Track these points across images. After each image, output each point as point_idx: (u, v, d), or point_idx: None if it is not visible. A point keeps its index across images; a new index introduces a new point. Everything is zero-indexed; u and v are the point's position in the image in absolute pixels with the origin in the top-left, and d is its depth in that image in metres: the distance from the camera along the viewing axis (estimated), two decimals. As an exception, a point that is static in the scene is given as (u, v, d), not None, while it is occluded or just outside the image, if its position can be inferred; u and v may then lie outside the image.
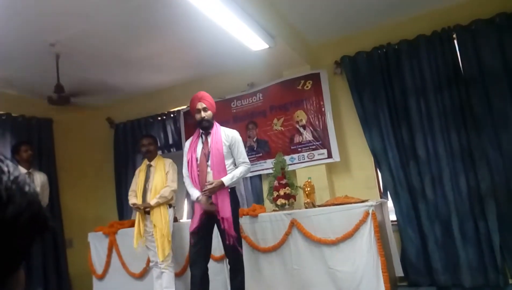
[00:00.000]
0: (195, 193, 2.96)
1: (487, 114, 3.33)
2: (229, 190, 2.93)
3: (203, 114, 2.99)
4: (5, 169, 0.43)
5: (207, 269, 2.94)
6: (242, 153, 3.03)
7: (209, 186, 2.85)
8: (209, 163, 2.94)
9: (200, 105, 3.00)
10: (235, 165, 3.03)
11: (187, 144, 3.14)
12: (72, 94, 4.24)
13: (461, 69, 3.48)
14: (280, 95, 4.21)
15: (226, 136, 3.01)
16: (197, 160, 2.97)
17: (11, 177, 0.43)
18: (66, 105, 4.23)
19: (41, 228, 0.45)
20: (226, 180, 2.88)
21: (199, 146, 3.02)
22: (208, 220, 2.92)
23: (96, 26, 3.26)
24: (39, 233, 0.45)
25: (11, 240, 0.41)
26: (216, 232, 3.02)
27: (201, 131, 3.06)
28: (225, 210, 2.85)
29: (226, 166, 2.95)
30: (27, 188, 0.44)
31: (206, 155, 2.96)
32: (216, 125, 3.08)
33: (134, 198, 3.76)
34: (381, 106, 3.74)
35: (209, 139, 2.99)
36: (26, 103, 4.72)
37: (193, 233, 2.91)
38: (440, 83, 3.52)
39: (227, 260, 3.05)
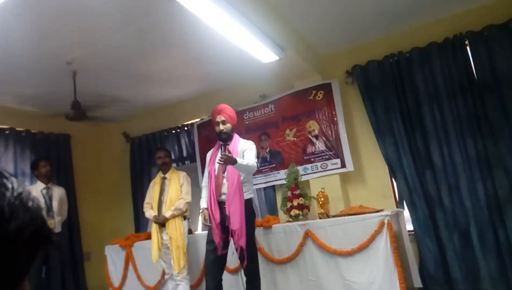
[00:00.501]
0: (202, 205, 3.14)
1: (503, 120, 3.27)
2: (243, 201, 2.97)
3: (221, 127, 3.07)
4: (9, 185, 0.45)
5: (221, 279, 2.97)
6: (252, 156, 3.03)
7: (224, 157, 2.79)
8: (225, 174, 3.01)
9: (219, 118, 3.08)
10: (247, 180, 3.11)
11: (208, 155, 3.24)
12: (88, 109, 4.36)
13: (475, 75, 3.44)
14: (292, 106, 4.23)
15: (242, 147, 3.09)
16: (215, 171, 3.06)
17: (15, 193, 0.44)
18: (83, 120, 4.34)
19: (44, 242, 0.47)
20: (240, 160, 2.87)
21: (218, 157, 3.05)
22: (225, 229, 2.97)
23: (111, 43, 3.36)
24: (42, 247, 0.47)
25: (14, 254, 0.43)
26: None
27: (221, 143, 3.15)
28: (235, 221, 2.88)
29: (241, 177, 3.00)
30: (30, 204, 0.46)
31: (223, 167, 3.00)
32: (235, 137, 3.15)
33: (151, 210, 3.80)
34: (394, 115, 3.71)
35: (227, 150, 3.03)
36: (44, 119, 4.85)
37: (210, 242, 2.99)
38: (454, 90, 3.47)
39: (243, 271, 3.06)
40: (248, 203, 3.03)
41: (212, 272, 2.95)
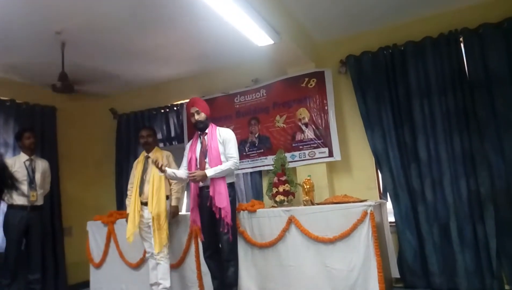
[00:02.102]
0: (183, 174, 3.25)
1: (490, 118, 3.31)
2: (226, 184, 3.11)
3: (196, 116, 3.24)
4: None
5: (220, 260, 3.12)
6: (232, 149, 3.19)
7: (192, 174, 3.07)
8: (207, 160, 3.16)
9: (193, 109, 3.26)
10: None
11: (187, 146, 3.40)
12: (76, 83, 4.26)
13: (466, 72, 3.46)
14: (284, 92, 4.21)
15: (220, 135, 3.24)
16: (196, 159, 3.20)
17: None
18: (70, 93, 4.25)
19: (6, 185, 0.50)
20: (209, 171, 3.07)
21: (198, 146, 3.25)
22: (208, 214, 3.10)
23: (102, 16, 3.26)
24: (5, 189, 0.50)
25: None
26: None
27: (199, 132, 3.30)
28: (222, 200, 3.04)
29: (223, 162, 3.14)
30: None
31: (204, 153, 3.19)
32: (212, 126, 3.30)
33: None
34: (384, 107, 3.72)
35: (206, 138, 3.23)
36: (30, 90, 4.74)
37: (202, 229, 3.16)
38: (445, 86, 3.50)
39: (221, 250, 3.12)
40: (230, 186, 3.17)
41: (212, 256, 3.17)
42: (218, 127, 3.32)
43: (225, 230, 3.02)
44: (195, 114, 3.26)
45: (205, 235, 3.15)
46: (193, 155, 3.25)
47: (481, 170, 3.28)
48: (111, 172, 5.21)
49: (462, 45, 3.51)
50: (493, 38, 3.37)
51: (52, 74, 3.96)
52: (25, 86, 4.70)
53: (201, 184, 3.15)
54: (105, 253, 4.16)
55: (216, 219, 3.05)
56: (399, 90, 3.69)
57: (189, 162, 3.27)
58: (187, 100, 4.82)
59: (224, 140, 3.22)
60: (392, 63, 3.75)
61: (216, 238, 3.12)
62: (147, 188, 3.67)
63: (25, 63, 4.15)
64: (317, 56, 4.13)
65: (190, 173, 3.11)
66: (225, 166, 3.12)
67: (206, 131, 3.27)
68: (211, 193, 3.07)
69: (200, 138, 3.31)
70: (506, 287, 3.20)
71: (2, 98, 4.50)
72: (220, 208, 3.02)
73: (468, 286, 3.23)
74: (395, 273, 3.43)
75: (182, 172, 3.29)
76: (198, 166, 3.18)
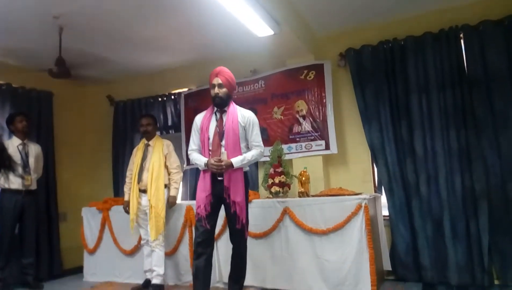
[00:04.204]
0: (202, 159, 2.79)
1: (488, 115, 3.32)
2: (243, 174, 2.79)
3: (217, 90, 2.81)
4: None
5: (212, 252, 2.81)
6: (257, 136, 2.87)
7: (216, 163, 2.68)
8: (223, 143, 2.78)
9: (215, 81, 2.82)
10: (248, 149, 2.88)
11: (198, 119, 2.94)
12: (73, 68, 4.22)
13: (466, 69, 3.46)
14: (282, 84, 4.20)
15: (242, 116, 2.85)
16: (209, 139, 2.81)
17: None
18: (67, 78, 4.22)
19: (4, 166, 0.49)
20: (236, 161, 2.72)
21: (213, 124, 2.84)
22: (217, 202, 2.79)
23: (101, 1, 3.22)
24: (2, 169, 0.49)
25: None
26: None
27: (215, 108, 2.88)
28: (238, 193, 2.72)
29: (241, 145, 2.81)
30: None
31: (220, 135, 2.79)
32: (233, 104, 2.89)
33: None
34: (382, 101, 3.73)
35: (224, 118, 2.83)
36: (26, 74, 4.70)
37: (202, 219, 2.73)
38: (444, 82, 3.50)
39: (232, 245, 2.88)
40: (246, 175, 2.87)
41: (204, 251, 2.73)
42: (239, 108, 2.91)
43: (239, 226, 2.72)
44: (217, 87, 2.80)
45: (206, 223, 2.72)
46: (206, 133, 2.81)
47: (477, 166, 3.30)
48: (108, 159, 5.20)
49: (462, 41, 3.50)
50: (493, 35, 3.37)
51: (49, 58, 3.93)
52: (22, 71, 4.65)
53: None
54: (99, 239, 4.18)
55: (231, 213, 2.74)
56: (397, 84, 3.69)
57: (201, 142, 2.85)
58: (185, 89, 4.85)
59: (247, 123, 2.83)
60: (391, 57, 3.75)
61: (214, 229, 2.83)
62: (146, 176, 3.67)
63: (22, 47, 4.11)
64: (316, 49, 4.12)
65: (213, 163, 2.68)
66: (251, 155, 2.78)
67: (226, 109, 2.85)
68: (225, 183, 2.72)
69: (216, 115, 2.87)
70: (496, 282, 3.25)
71: (-2, 82, 4.47)
72: (235, 202, 2.70)
73: (459, 280, 3.27)
74: (387, 265, 3.47)
75: (200, 158, 2.82)
76: (211, 148, 2.78)
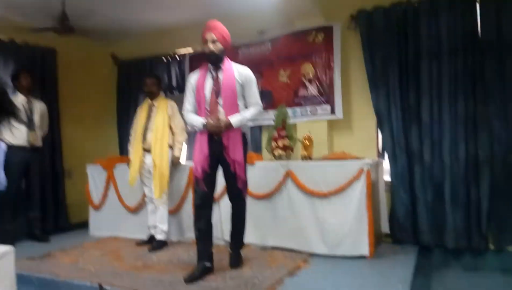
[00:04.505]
0: (199, 120, 2.73)
1: (497, 82, 3.25)
2: (242, 133, 2.75)
3: (211, 46, 2.69)
4: None
5: (211, 213, 2.81)
6: (255, 94, 2.79)
7: (215, 124, 2.63)
8: (220, 101, 2.70)
9: (209, 36, 2.70)
10: (246, 107, 2.81)
11: (192, 79, 2.86)
12: (77, 25, 4.14)
13: (479, 34, 3.36)
14: (290, 46, 4.11)
15: (239, 73, 2.75)
16: (205, 98, 2.73)
17: None
18: (70, 34, 4.15)
19: (6, 110, 0.49)
20: (234, 120, 2.66)
21: (208, 82, 2.75)
22: (215, 163, 2.75)
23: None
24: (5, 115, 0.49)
25: None
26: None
27: (210, 65, 2.78)
28: (237, 153, 2.68)
29: (239, 103, 2.75)
30: None
31: (217, 93, 2.70)
32: (228, 61, 2.80)
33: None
34: (391, 66, 3.64)
35: (220, 76, 2.73)
36: (30, 30, 4.61)
37: (200, 180, 2.71)
38: (456, 47, 3.39)
39: (232, 205, 2.90)
40: (245, 136, 2.82)
41: (203, 212, 2.74)
42: (235, 64, 2.82)
43: (240, 185, 2.73)
44: (210, 43, 2.69)
45: (205, 185, 2.72)
46: (202, 92, 2.72)
47: (482, 134, 3.27)
48: (113, 117, 5.22)
49: (477, 4, 3.37)
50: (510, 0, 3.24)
51: (52, 14, 3.85)
52: (25, 26, 4.57)
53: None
54: (105, 196, 4.27)
55: (230, 172, 2.72)
56: (408, 49, 3.59)
57: (197, 102, 2.77)
58: (190, 50, 4.76)
59: (244, 81, 2.74)
60: (404, 21, 3.62)
61: (213, 191, 2.80)
62: (150, 135, 3.69)
63: (24, 2, 4.01)
64: (326, 10, 3.97)
65: (211, 122, 2.62)
66: (250, 114, 2.72)
67: (221, 65, 2.75)
68: (225, 143, 2.67)
69: (211, 73, 2.77)
70: (491, 246, 3.31)
71: (0, 38, 4.38)
72: (235, 162, 2.67)
73: (455, 244, 3.33)
74: (385, 228, 3.54)
75: (197, 119, 2.75)
76: (208, 108, 2.72)
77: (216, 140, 2.71)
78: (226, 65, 2.76)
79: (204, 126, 2.71)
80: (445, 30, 3.44)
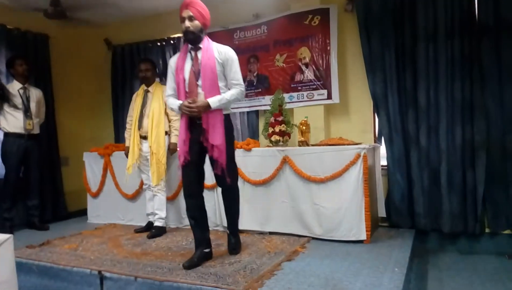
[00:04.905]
0: (177, 103, 2.62)
1: (494, 67, 3.24)
2: (223, 116, 2.63)
3: (187, 23, 2.53)
4: None
5: (202, 200, 2.76)
6: (237, 74, 2.65)
7: (191, 105, 2.50)
8: (199, 83, 2.57)
9: (185, 13, 2.54)
10: (228, 88, 2.68)
11: (172, 61, 2.71)
12: (69, 9, 4.06)
13: (477, 17, 3.32)
14: (286, 30, 4.06)
15: (219, 52, 2.61)
16: (185, 81, 2.60)
17: None
18: (62, 19, 4.08)
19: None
20: (213, 101, 2.52)
21: (188, 64, 2.62)
22: (198, 149, 2.64)
23: None
24: None
25: None
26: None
27: (189, 46, 2.64)
28: (216, 137, 2.56)
29: (220, 84, 2.61)
30: None
31: (196, 74, 2.57)
32: (208, 40, 2.64)
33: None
34: (388, 49, 3.61)
35: (199, 55, 2.59)
36: (21, 15, 4.52)
37: (182, 167, 2.64)
38: (453, 31, 3.36)
39: (221, 189, 2.85)
40: (227, 117, 2.71)
41: (192, 196, 2.69)
42: (215, 43, 2.67)
43: (219, 172, 2.62)
44: (187, 20, 2.53)
45: (189, 173, 2.65)
46: (181, 74, 2.59)
47: (479, 118, 3.27)
48: (108, 104, 5.17)
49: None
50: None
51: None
52: (16, 11, 4.47)
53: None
54: (102, 183, 4.27)
55: (210, 158, 2.63)
56: (405, 32, 3.55)
57: (177, 84, 2.64)
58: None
59: (225, 60, 2.60)
60: (401, 3, 3.57)
61: (200, 178, 2.72)
62: (146, 122, 3.66)
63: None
64: (322, -8, 3.91)
65: (186, 104, 2.50)
66: (230, 95, 2.59)
67: (200, 45, 2.60)
68: (204, 126, 2.56)
69: (191, 53, 2.63)
70: (487, 230, 3.36)
71: (-9, 22, 4.31)
72: (213, 146, 2.55)
73: (451, 228, 3.38)
74: (382, 213, 3.57)
75: (175, 102, 2.64)
76: (187, 90, 2.58)
77: (197, 123, 2.60)
78: (206, 45, 2.61)
79: (180, 109, 2.60)
80: (443, 13, 3.40)
